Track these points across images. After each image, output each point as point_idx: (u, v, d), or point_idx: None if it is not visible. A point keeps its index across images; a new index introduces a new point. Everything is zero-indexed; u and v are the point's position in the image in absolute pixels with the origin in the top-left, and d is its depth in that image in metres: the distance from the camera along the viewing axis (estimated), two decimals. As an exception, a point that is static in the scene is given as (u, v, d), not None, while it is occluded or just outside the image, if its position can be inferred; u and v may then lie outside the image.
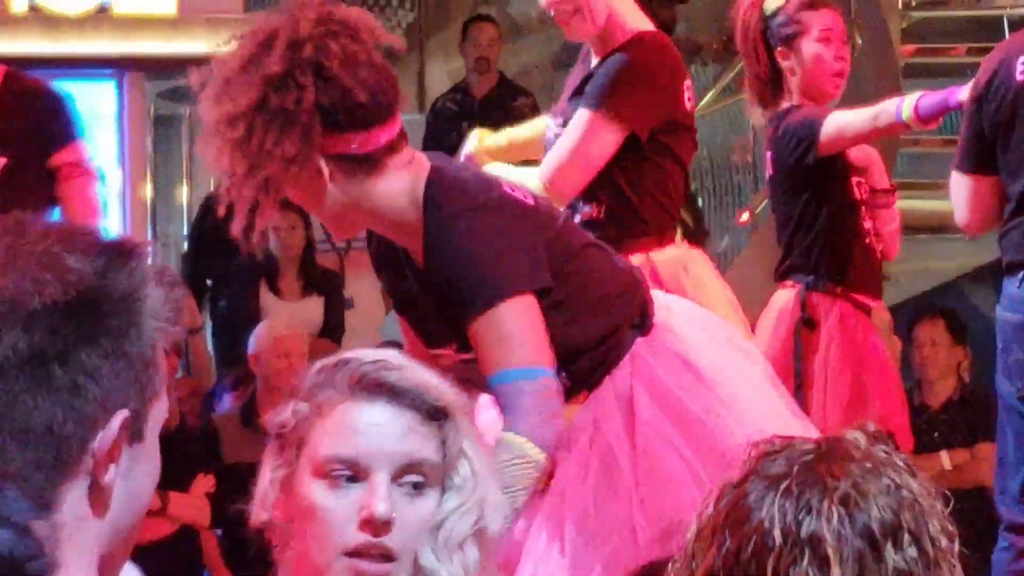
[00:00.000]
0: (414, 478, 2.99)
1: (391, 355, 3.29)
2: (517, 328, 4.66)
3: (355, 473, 3.00)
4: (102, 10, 10.47)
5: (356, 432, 3.05)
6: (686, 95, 5.90)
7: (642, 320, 4.94)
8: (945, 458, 9.06)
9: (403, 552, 2.98)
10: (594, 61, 6.09)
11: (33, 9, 10.43)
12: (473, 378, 4.71)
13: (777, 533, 2.35)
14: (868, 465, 2.39)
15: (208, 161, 4.80)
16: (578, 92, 6.06)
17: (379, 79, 4.76)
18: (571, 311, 4.87)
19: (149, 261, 2.25)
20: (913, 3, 10.87)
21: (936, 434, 9.14)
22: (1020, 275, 6.39)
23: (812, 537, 2.33)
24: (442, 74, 14.68)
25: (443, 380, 3.26)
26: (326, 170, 4.67)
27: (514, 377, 4.64)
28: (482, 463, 3.17)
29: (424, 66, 15.05)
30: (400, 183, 4.76)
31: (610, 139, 5.91)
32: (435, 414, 3.11)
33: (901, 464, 2.42)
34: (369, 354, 3.35)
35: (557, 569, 4.84)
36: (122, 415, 2.16)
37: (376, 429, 3.07)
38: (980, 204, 6.65)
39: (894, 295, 11.02)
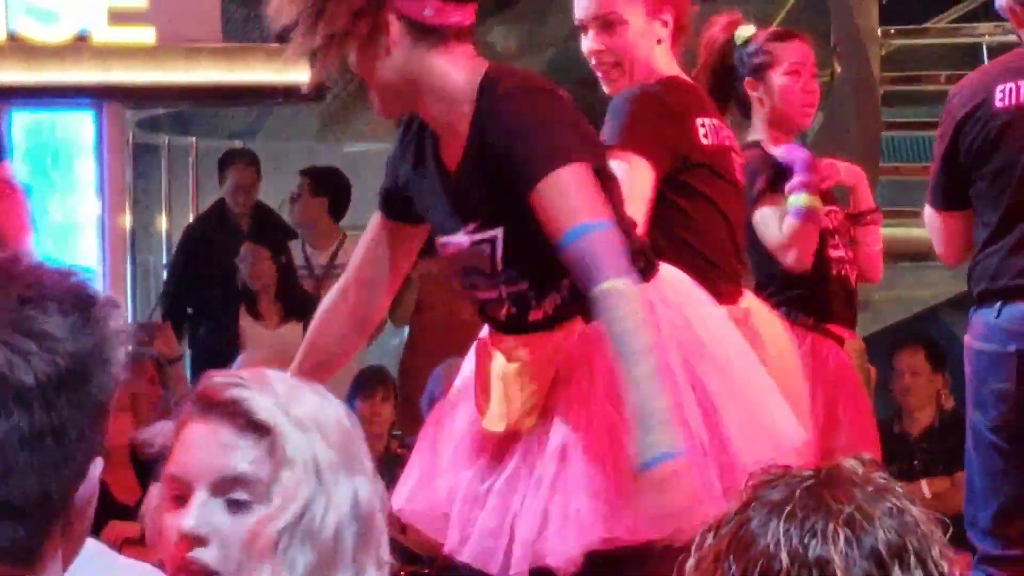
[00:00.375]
0: (236, 494, 2.91)
1: (246, 372, 3.21)
2: (582, 189, 4.75)
3: (181, 491, 2.96)
4: (81, 39, 10.42)
5: (181, 450, 3.02)
6: (701, 132, 5.70)
7: (646, 265, 5.02)
8: (925, 486, 9.00)
9: (226, 568, 2.92)
10: None
11: (12, 38, 10.43)
12: (482, 265, 5.02)
13: (784, 557, 2.34)
14: (870, 489, 2.38)
15: (273, 10, 4.86)
16: None
17: None
18: None
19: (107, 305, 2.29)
20: (892, 31, 10.93)
21: (916, 462, 9.12)
22: (998, 304, 6.36)
23: (819, 560, 2.33)
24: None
25: (293, 390, 3.18)
26: (394, 28, 4.76)
27: (587, 230, 4.70)
28: (312, 468, 3.02)
29: None
30: (460, 66, 4.84)
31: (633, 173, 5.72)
32: (257, 428, 3.03)
33: (900, 490, 2.41)
34: (227, 372, 3.30)
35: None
36: (99, 464, 2.25)
37: (194, 446, 3.02)
38: (955, 238, 6.66)
39: (873, 323, 11.18)
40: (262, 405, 2.93)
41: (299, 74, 10.81)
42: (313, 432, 3.03)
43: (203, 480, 2.97)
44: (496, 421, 5.16)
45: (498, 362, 5.20)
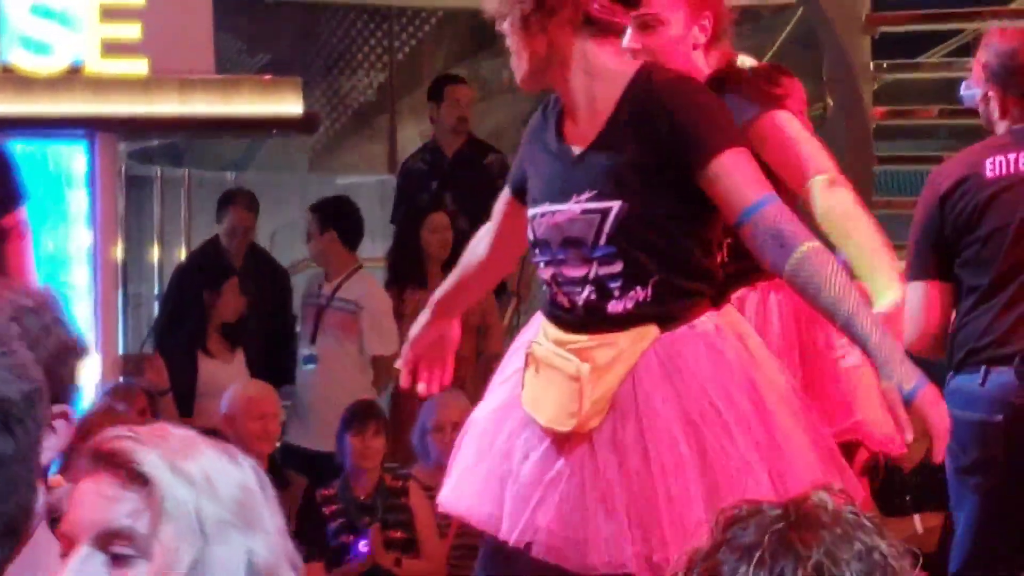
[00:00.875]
0: (117, 548, 2.79)
1: (146, 427, 3.07)
2: (756, 168, 5.09)
3: (70, 547, 2.86)
4: (74, 71, 10.37)
5: (71, 506, 2.93)
6: None
7: (718, 295, 5.27)
8: (918, 521, 9.08)
9: None
10: None
11: (5, 70, 10.45)
12: (585, 236, 5.21)
13: None
14: (839, 531, 2.38)
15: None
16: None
17: None
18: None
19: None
20: (884, 65, 10.98)
21: (908, 497, 9.19)
22: (982, 370, 6.36)
23: None
24: (413, 134, 14.70)
25: (188, 446, 3.07)
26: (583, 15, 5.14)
27: (772, 200, 5.02)
28: (194, 524, 2.91)
29: (395, 126, 15.11)
30: (609, 54, 5.18)
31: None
32: (139, 480, 2.92)
33: (870, 525, 2.41)
34: (123, 427, 3.09)
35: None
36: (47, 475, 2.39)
37: (80, 500, 2.92)
38: (934, 311, 6.59)
39: None
40: (146, 458, 2.83)
41: (291, 106, 10.98)
42: (201, 487, 2.94)
43: (86, 534, 2.87)
44: (564, 420, 5.24)
45: (568, 362, 5.26)
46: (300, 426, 10.85)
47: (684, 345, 5.19)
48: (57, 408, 3.04)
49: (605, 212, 5.20)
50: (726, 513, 2.46)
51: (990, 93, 6.56)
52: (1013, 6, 11.50)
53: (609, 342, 5.22)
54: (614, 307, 5.22)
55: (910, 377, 4.90)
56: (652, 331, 5.18)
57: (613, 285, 5.24)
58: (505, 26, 5.28)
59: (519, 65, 5.36)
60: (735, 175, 5.09)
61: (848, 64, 10.46)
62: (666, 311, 5.19)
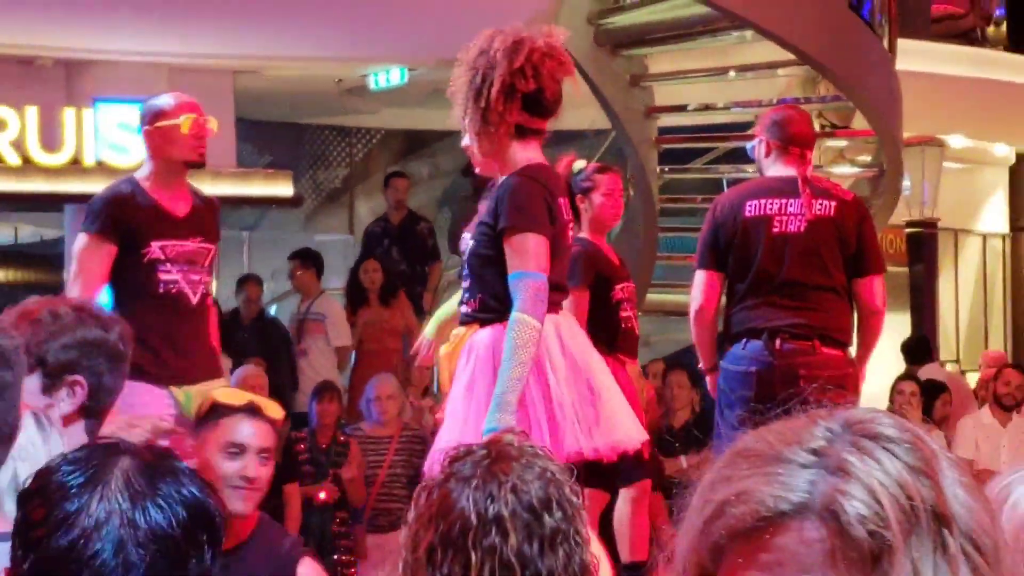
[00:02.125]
0: None
1: None
2: (537, 249, 4.89)
3: None
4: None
5: None
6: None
7: (553, 309, 5.04)
8: (683, 460, 9.16)
9: None
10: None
11: (99, 163, 10.24)
12: (466, 260, 5.17)
13: (473, 516, 2.35)
14: (524, 461, 2.42)
15: (459, 94, 5.03)
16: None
17: (559, 97, 5.05)
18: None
19: None
20: (666, 169, 10.71)
21: (677, 444, 9.28)
22: (744, 341, 6.25)
23: (496, 516, 2.35)
24: (365, 209, 14.29)
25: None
26: (511, 120, 4.97)
27: (521, 276, 4.85)
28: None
29: (353, 204, 14.72)
30: (533, 153, 5.06)
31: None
32: None
33: (543, 454, 2.48)
34: None
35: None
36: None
37: None
38: (711, 290, 6.42)
39: (651, 355, 11.07)
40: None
41: (285, 189, 10.95)
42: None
43: None
44: (446, 384, 5.32)
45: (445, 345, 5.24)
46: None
47: (490, 336, 4.98)
48: (71, 378, 2.93)
49: (469, 246, 5.15)
50: (449, 454, 2.48)
51: (760, 139, 6.46)
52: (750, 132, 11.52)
53: (459, 333, 5.15)
54: (463, 311, 5.17)
55: (490, 421, 4.72)
56: (475, 327, 5.06)
57: (465, 296, 5.17)
58: (465, 135, 5.12)
59: (474, 157, 5.18)
60: (511, 251, 4.91)
61: (643, 168, 10.24)
62: (484, 317, 5.03)
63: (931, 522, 1.17)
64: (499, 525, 2.33)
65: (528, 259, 4.91)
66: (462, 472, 2.39)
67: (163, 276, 5.72)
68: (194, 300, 5.76)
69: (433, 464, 4.48)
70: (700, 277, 6.42)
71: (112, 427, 3.38)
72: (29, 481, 1.70)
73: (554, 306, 5.07)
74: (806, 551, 1.16)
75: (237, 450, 4.05)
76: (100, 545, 1.60)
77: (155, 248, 5.70)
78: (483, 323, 5.07)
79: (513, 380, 4.79)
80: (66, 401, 2.88)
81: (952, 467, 1.22)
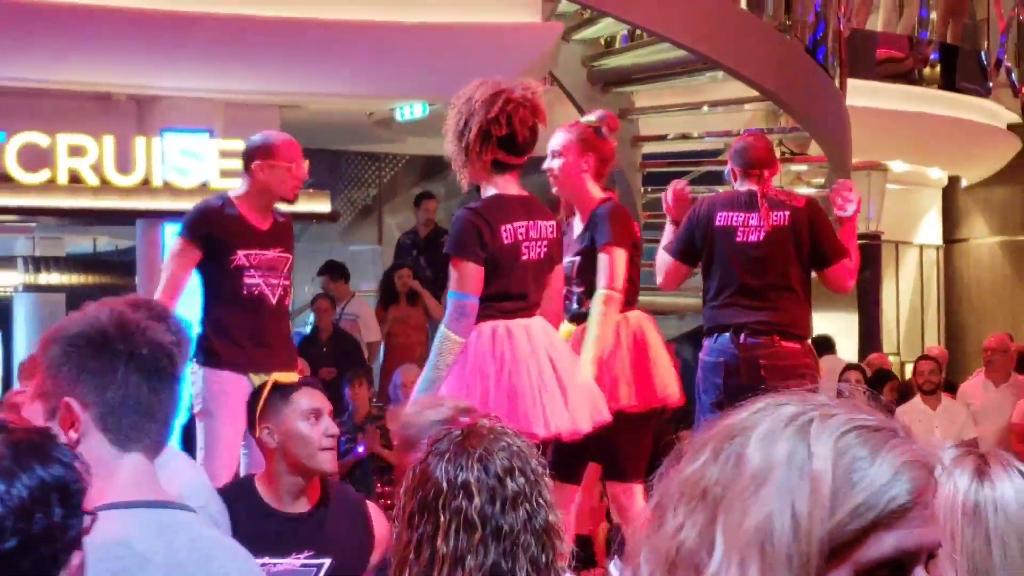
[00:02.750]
0: None
1: None
2: (460, 273, 4.97)
3: None
4: (203, 186, 9.98)
5: None
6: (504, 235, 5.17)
7: (504, 315, 5.04)
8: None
9: None
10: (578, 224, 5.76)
11: (166, 184, 10.13)
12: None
13: (444, 484, 2.36)
14: (492, 436, 2.43)
15: (448, 132, 5.09)
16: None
17: (530, 139, 5.07)
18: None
19: None
20: (649, 189, 10.55)
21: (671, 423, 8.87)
22: (715, 335, 6.22)
23: (464, 483, 2.36)
24: (392, 224, 14.27)
25: None
26: (487, 158, 5.04)
27: (451, 296, 5.00)
28: None
29: (382, 217, 14.65)
30: (491, 189, 5.10)
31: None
32: None
33: (511, 432, 2.48)
34: None
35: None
36: None
37: None
38: (673, 276, 6.47)
39: None
40: None
41: (324, 207, 10.92)
42: None
43: None
44: None
45: None
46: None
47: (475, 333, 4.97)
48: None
49: None
50: (431, 437, 2.47)
51: (728, 167, 6.50)
52: (721, 157, 10.80)
53: None
54: None
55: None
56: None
57: None
58: (454, 167, 5.15)
59: (463, 186, 5.31)
60: (451, 273, 5.07)
61: (629, 188, 10.14)
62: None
63: None
64: (465, 490, 2.34)
65: (456, 282, 5.02)
66: (439, 448, 2.40)
67: (247, 280, 5.76)
68: (273, 301, 5.80)
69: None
70: (668, 260, 6.46)
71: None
72: None
73: (510, 313, 5.08)
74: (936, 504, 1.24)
75: (315, 415, 4.09)
76: None
77: (240, 256, 5.75)
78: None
79: (428, 380, 4.93)
80: None
81: None
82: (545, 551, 2.36)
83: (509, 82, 5.08)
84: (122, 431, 2.15)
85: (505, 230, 5.08)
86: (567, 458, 5.47)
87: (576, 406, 5.08)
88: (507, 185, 5.15)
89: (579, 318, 5.60)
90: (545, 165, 5.68)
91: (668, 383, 5.70)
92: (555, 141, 5.71)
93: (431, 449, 2.41)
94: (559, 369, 5.07)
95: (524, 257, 5.12)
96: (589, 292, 5.54)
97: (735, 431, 1.28)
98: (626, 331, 5.65)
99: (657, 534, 1.29)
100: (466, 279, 5.00)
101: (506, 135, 5.01)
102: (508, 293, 5.10)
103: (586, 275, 5.59)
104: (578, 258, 5.63)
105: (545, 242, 5.19)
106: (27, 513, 1.70)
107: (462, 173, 5.14)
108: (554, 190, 5.80)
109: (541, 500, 2.38)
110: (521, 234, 5.13)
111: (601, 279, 5.47)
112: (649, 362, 5.63)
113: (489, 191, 5.14)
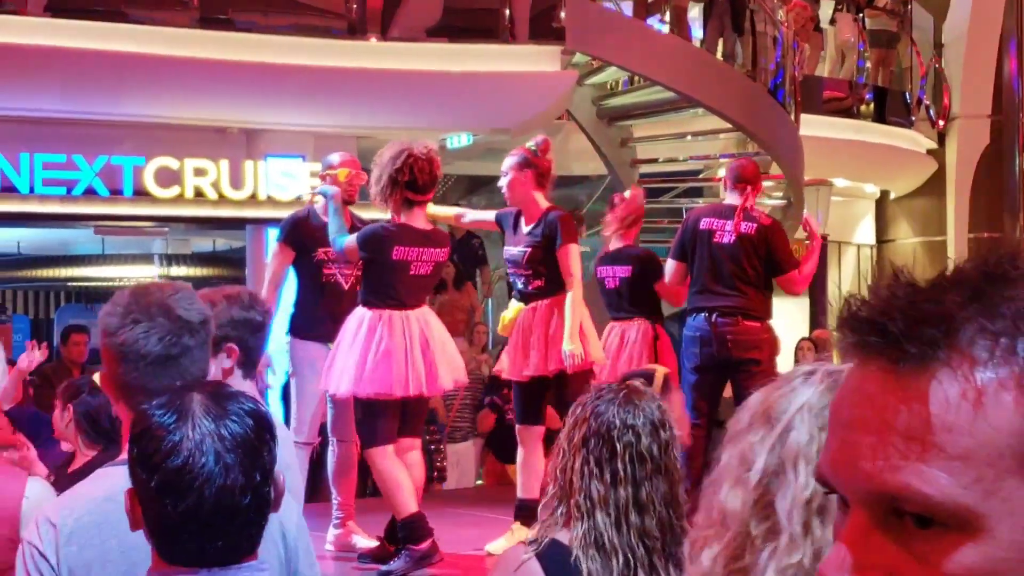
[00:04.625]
0: None
1: None
2: (349, 247, 5.32)
3: None
4: (298, 199, 9.74)
5: None
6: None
7: (394, 307, 5.26)
8: None
9: None
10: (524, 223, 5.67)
11: (269, 198, 10.07)
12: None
13: (617, 421, 2.30)
14: (648, 396, 2.37)
15: (378, 195, 5.31)
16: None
17: (429, 179, 5.33)
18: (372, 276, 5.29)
19: None
20: (646, 201, 10.44)
21: None
22: (693, 315, 6.21)
23: (631, 423, 2.29)
24: (443, 228, 14.15)
25: None
26: (401, 201, 5.28)
27: (345, 243, 5.40)
28: None
29: (435, 224, 14.51)
30: (403, 218, 5.30)
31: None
32: None
33: (656, 396, 2.41)
34: None
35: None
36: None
37: None
38: (676, 276, 6.35)
39: None
40: None
41: (381, 214, 11.20)
42: None
43: None
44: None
45: None
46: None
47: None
48: (227, 345, 2.69)
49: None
50: (596, 388, 2.40)
51: (722, 179, 6.46)
52: (702, 176, 11.30)
53: None
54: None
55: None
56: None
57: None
58: (502, 179, 5.49)
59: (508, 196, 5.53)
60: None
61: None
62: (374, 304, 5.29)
63: None
64: (633, 430, 2.28)
65: (347, 242, 5.36)
66: (606, 396, 2.33)
67: (326, 271, 5.83)
68: (346, 286, 5.81)
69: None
70: (670, 265, 6.41)
71: None
72: (134, 425, 1.59)
73: (387, 306, 5.27)
74: None
75: None
76: (204, 459, 1.52)
77: (321, 252, 5.80)
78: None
79: (332, 227, 5.44)
80: (225, 361, 2.72)
81: None
82: (678, 491, 2.32)
83: (412, 143, 5.33)
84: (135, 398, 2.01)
85: (397, 250, 5.26)
86: (532, 405, 5.60)
87: (439, 372, 5.25)
88: (415, 219, 5.32)
89: (527, 297, 5.61)
90: (499, 184, 5.69)
91: (594, 350, 5.61)
92: (504, 164, 5.69)
93: (598, 396, 2.34)
94: (431, 345, 5.24)
95: (412, 272, 5.30)
96: (536, 275, 5.54)
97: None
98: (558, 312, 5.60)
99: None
100: (348, 250, 5.36)
101: (407, 181, 5.22)
102: (387, 292, 5.30)
103: (533, 264, 5.56)
104: (529, 249, 5.58)
105: (431, 263, 5.37)
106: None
107: (385, 208, 5.36)
108: (507, 200, 5.76)
109: (674, 451, 2.34)
110: (412, 255, 5.30)
111: (567, 270, 5.47)
112: (583, 334, 5.54)
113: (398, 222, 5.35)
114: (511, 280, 5.75)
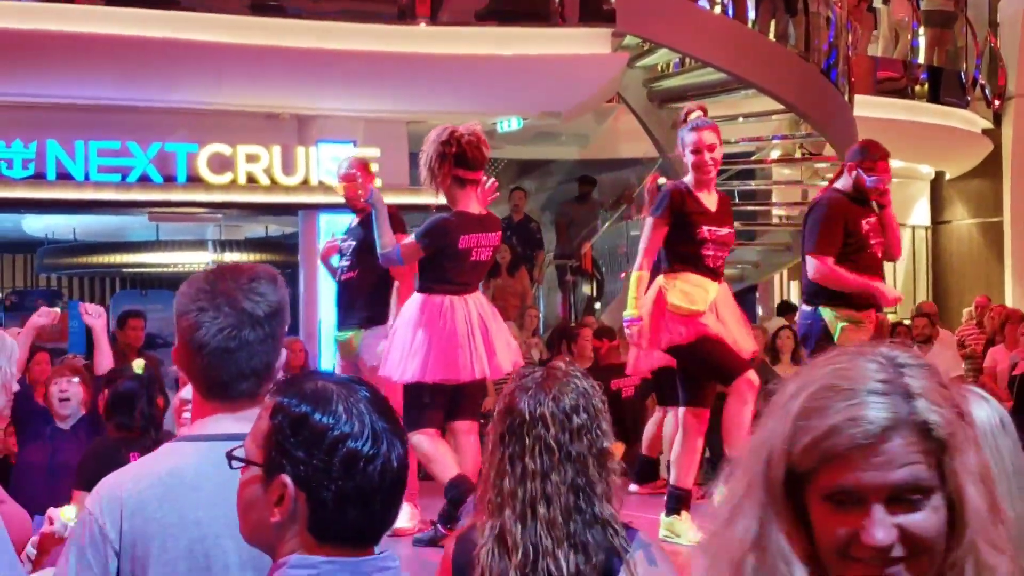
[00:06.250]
0: None
1: None
2: (408, 247, 5.28)
3: None
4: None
5: None
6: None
7: (454, 291, 5.24)
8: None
9: None
10: None
11: (321, 183, 10.01)
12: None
13: (527, 413, 2.34)
14: (565, 379, 2.37)
15: (426, 172, 5.26)
16: None
17: (478, 153, 5.25)
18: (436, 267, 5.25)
19: None
20: None
21: None
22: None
23: (541, 414, 2.33)
24: (497, 211, 13.95)
25: None
26: (451, 177, 5.23)
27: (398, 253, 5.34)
28: None
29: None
30: (457, 203, 5.27)
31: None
32: None
33: (580, 374, 2.40)
34: None
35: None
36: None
37: None
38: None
39: None
40: None
41: (441, 199, 11.25)
42: None
43: None
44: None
45: None
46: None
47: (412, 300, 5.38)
48: (289, 339, 2.72)
49: None
50: (520, 373, 2.44)
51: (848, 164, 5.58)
52: (753, 158, 11.20)
53: None
54: None
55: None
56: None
57: None
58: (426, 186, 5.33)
59: (439, 194, 5.37)
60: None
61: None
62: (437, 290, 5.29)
63: (965, 421, 1.20)
64: (543, 421, 2.31)
65: (404, 245, 5.34)
66: (525, 384, 2.37)
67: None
68: (481, 257, 5.49)
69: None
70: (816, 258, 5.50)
71: None
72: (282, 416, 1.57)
73: (449, 292, 5.22)
74: (905, 451, 1.17)
75: None
76: (372, 437, 1.52)
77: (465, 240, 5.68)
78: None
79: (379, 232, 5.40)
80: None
81: (946, 377, 1.25)
82: (603, 469, 2.33)
83: (456, 125, 5.28)
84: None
85: (463, 239, 5.25)
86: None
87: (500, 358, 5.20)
88: (469, 202, 5.26)
89: (717, 275, 5.25)
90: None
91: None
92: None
93: (518, 384, 2.38)
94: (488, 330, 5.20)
95: (473, 258, 5.30)
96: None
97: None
98: None
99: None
100: (407, 253, 5.30)
101: (456, 153, 5.16)
102: (453, 279, 5.26)
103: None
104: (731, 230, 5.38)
105: (490, 248, 5.36)
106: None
107: (436, 192, 5.30)
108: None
109: (599, 431, 2.34)
110: (473, 242, 5.29)
111: None
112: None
113: (454, 205, 5.28)
114: (707, 258, 5.14)
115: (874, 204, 5.65)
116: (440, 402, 5.24)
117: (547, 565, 2.25)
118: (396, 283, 5.95)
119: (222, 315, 1.94)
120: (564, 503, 2.28)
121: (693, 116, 5.34)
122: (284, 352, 2.03)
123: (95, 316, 5.02)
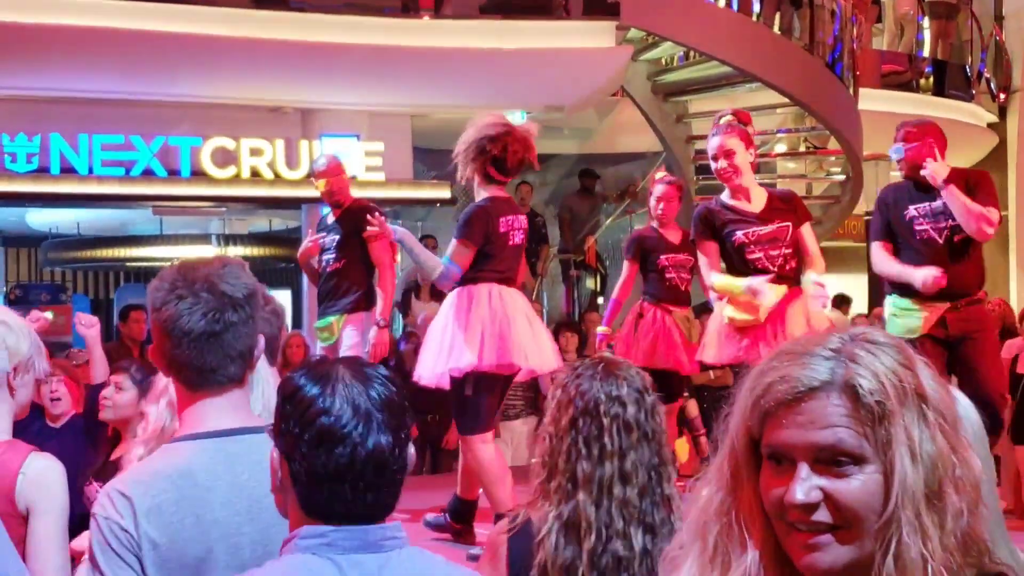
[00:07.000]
0: None
1: None
2: (455, 249, 4.99)
3: None
4: (351, 177, 10.39)
5: None
6: (501, 228, 5.11)
7: (498, 280, 5.06)
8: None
9: None
10: None
11: (353, 178, 10.57)
12: None
13: (602, 395, 2.32)
14: (624, 365, 2.38)
15: (462, 153, 5.04)
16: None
17: (518, 163, 5.02)
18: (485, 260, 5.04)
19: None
20: (701, 177, 10.31)
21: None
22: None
23: (617, 395, 2.32)
24: None
25: None
26: (482, 171, 5.02)
27: (445, 262, 5.01)
28: None
29: None
30: (484, 191, 5.09)
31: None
32: None
33: (634, 367, 2.41)
34: None
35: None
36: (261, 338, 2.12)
37: None
38: (884, 248, 5.34)
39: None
40: None
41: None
42: None
43: None
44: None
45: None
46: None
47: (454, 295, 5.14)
48: (289, 333, 2.69)
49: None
50: (572, 366, 2.40)
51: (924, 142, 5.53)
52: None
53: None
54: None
55: None
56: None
57: None
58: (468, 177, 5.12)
59: (468, 185, 5.20)
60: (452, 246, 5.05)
61: (684, 177, 9.81)
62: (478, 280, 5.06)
63: (915, 398, 1.18)
64: (619, 400, 2.31)
65: (451, 253, 5.02)
66: (586, 373, 2.35)
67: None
68: (517, 241, 5.35)
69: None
70: (876, 244, 5.45)
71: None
72: (283, 388, 1.60)
73: (493, 280, 5.04)
74: (830, 412, 1.17)
75: None
76: (357, 415, 1.54)
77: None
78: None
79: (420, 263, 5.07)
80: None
81: (925, 366, 1.22)
82: (664, 453, 2.36)
83: (515, 124, 5.06)
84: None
85: (502, 222, 5.09)
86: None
87: (544, 351, 5.06)
88: (494, 190, 5.10)
89: (781, 278, 5.08)
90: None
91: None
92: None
93: (579, 372, 2.36)
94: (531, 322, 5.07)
95: (510, 242, 5.13)
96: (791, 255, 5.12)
97: None
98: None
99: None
100: (457, 254, 5.01)
101: (497, 156, 4.97)
102: (495, 269, 5.08)
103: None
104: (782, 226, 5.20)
105: (522, 231, 5.20)
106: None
107: (462, 174, 5.09)
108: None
109: (659, 414, 2.37)
110: (508, 225, 5.12)
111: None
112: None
113: (480, 194, 5.11)
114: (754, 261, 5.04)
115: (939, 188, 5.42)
116: (495, 396, 5.05)
117: (618, 546, 2.26)
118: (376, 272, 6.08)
119: (202, 300, 1.95)
120: (640, 481, 2.30)
121: (723, 120, 5.17)
122: (262, 338, 2.03)
123: (88, 326, 5.03)
